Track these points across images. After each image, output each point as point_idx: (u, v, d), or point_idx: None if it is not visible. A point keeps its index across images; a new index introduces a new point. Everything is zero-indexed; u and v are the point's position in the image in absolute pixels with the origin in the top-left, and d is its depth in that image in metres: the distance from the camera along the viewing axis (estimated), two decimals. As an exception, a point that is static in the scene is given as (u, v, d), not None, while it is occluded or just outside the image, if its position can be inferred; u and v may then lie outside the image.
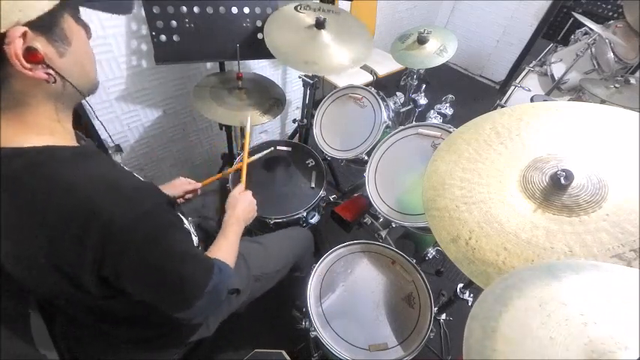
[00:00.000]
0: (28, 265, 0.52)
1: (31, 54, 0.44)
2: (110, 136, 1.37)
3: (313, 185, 1.30)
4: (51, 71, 0.47)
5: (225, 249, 0.79)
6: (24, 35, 0.42)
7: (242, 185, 0.99)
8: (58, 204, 0.46)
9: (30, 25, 0.43)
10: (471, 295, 1.04)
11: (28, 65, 0.44)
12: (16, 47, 0.42)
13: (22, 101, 0.48)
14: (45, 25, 0.45)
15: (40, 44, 0.45)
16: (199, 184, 1.03)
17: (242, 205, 0.91)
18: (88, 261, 0.48)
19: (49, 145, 0.49)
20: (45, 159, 0.48)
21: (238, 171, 1.10)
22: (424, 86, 1.48)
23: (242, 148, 1.08)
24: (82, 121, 1.24)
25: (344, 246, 1.05)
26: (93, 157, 0.55)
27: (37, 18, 0.43)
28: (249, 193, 0.98)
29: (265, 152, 1.22)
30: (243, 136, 1.08)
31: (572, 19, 2.29)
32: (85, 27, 0.54)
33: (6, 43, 0.41)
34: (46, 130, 0.51)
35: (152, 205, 0.53)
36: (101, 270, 0.50)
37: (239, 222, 0.88)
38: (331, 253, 1.03)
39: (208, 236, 0.85)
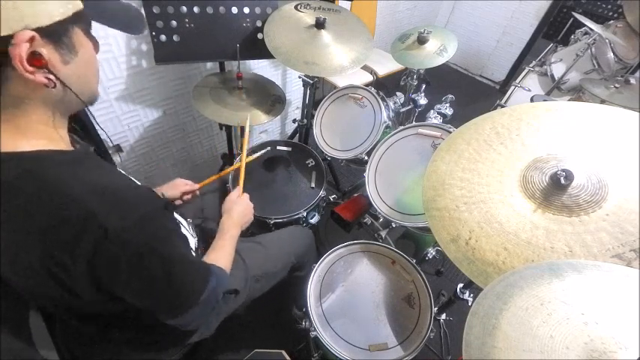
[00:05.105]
0: (23, 271, 0.51)
1: (35, 58, 0.44)
2: (110, 137, 1.37)
3: (313, 185, 1.30)
4: (51, 76, 0.47)
5: (221, 254, 0.79)
6: (31, 40, 0.43)
7: (239, 188, 0.98)
8: (52, 209, 0.46)
9: (39, 30, 0.43)
10: (471, 295, 1.04)
11: (30, 69, 0.44)
12: (21, 50, 0.42)
13: (18, 104, 0.48)
14: (54, 33, 0.46)
15: (46, 50, 0.45)
16: (197, 186, 1.03)
17: (238, 209, 0.91)
18: (81, 266, 0.47)
19: (42, 149, 0.49)
20: (39, 164, 0.48)
21: (237, 170, 1.10)
22: (424, 86, 1.48)
23: (241, 149, 1.08)
24: (79, 123, 1.23)
25: (344, 246, 1.05)
26: (87, 161, 0.55)
27: (48, 25, 0.44)
28: (246, 197, 0.97)
29: (262, 152, 1.22)
30: (242, 135, 1.07)
31: (572, 19, 2.30)
32: (95, 42, 0.55)
33: (11, 44, 0.41)
34: (40, 135, 0.50)
35: (148, 210, 0.53)
36: (94, 275, 0.49)
37: (235, 227, 0.87)
38: (331, 253, 1.03)
39: (209, 237, 0.84)
